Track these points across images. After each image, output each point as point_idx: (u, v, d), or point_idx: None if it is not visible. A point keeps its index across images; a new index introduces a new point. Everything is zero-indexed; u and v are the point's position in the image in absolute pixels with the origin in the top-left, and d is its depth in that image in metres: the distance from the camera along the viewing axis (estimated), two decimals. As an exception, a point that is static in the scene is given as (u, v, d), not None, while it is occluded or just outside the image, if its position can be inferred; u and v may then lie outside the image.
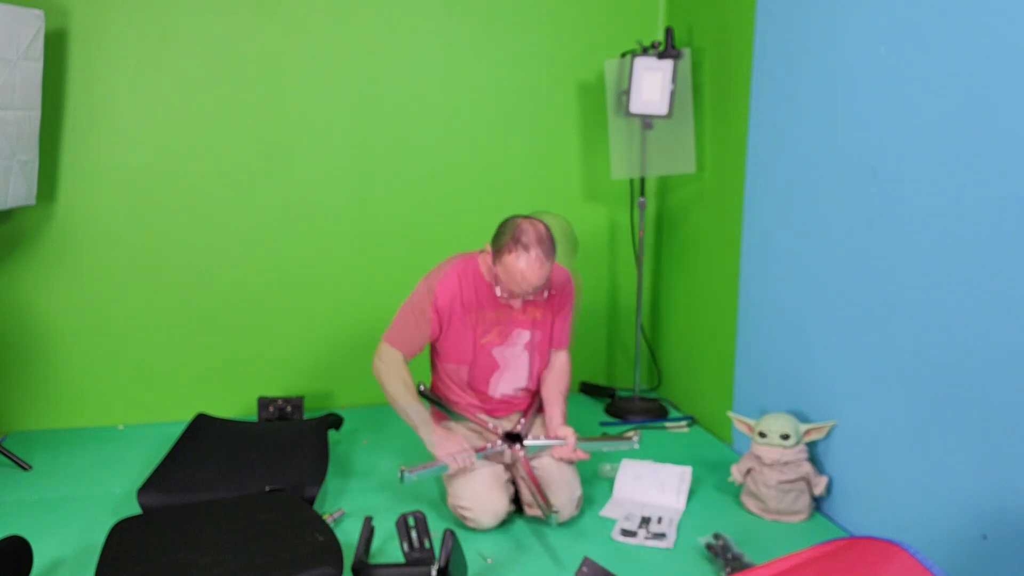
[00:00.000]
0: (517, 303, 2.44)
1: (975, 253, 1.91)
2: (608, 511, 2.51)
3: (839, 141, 2.37)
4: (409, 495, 2.61)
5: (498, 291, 2.41)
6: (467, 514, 2.36)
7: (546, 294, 2.48)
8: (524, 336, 2.53)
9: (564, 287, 2.58)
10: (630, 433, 2.57)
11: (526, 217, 2.37)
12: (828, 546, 1.58)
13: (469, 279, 2.48)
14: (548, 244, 2.32)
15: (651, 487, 2.58)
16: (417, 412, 2.45)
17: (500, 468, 2.46)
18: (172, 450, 2.69)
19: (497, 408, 2.62)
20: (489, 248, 2.40)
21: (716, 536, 2.18)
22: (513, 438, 2.48)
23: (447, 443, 2.40)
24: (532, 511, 2.43)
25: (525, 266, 2.28)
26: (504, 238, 2.32)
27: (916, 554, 1.44)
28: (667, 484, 2.58)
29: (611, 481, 2.68)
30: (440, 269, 2.52)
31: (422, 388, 2.53)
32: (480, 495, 2.36)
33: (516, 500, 2.46)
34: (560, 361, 2.63)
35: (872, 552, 1.48)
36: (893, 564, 1.42)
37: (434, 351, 2.60)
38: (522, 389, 2.61)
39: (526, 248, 2.28)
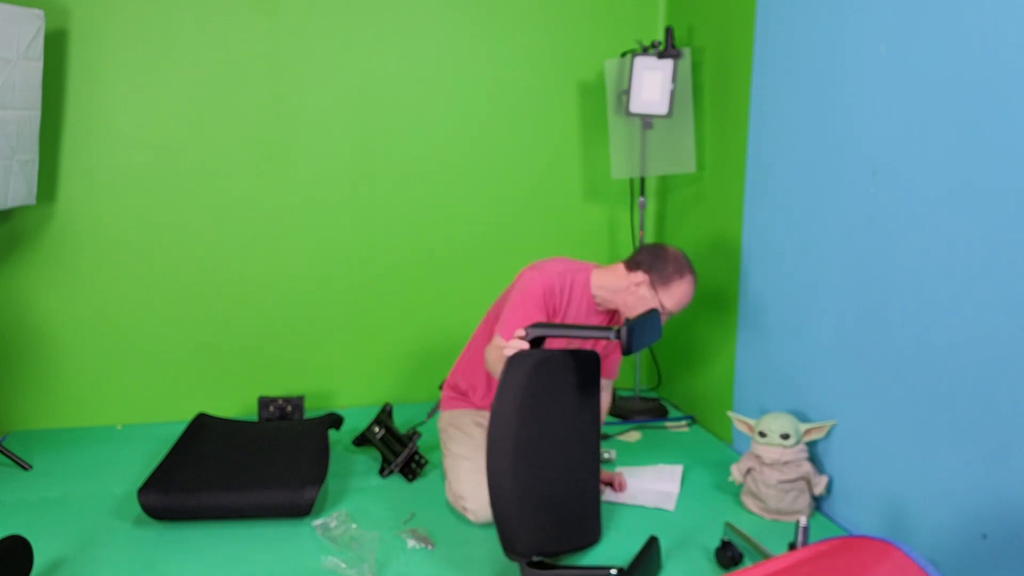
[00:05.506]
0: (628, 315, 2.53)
1: (975, 252, 1.91)
2: (609, 497, 2.57)
3: (839, 141, 2.37)
4: (409, 494, 2.61)
5: (637, 310, 2.49)
6: (468, 505, 2.37)
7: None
8: None
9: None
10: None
11: (666, 245, 2.55)
12: (823, 545, 1.58)
13: (579, 289, 2.55)
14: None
15: (648, 477, 2.70)
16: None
17: None
18: (172, 450, 2.69)
19: None
20: (637, 273, 2.49)
21: (725, 544, 2.17)
22: None
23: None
24: None
25: (689, 291, 2.51)
26: (668, 265, 2.48)
27: (910, 553, 1.44)
28: (662, 475, 2.71)
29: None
30: (549, 264, 2.56)
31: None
32: (480, 488, 2.36)
33: None
34: (607, 396, 2.76)
35: (866, 551, 1.48)
36: (887, 563, 1.42)
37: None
38: None
39: (693, 273, 2.52)
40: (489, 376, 2.72)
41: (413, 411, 3.33)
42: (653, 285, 2.48)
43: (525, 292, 2.47)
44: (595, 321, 2.61)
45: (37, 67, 2.78)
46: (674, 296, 2.49)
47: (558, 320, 2.54)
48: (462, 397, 2.81)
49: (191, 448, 2.72)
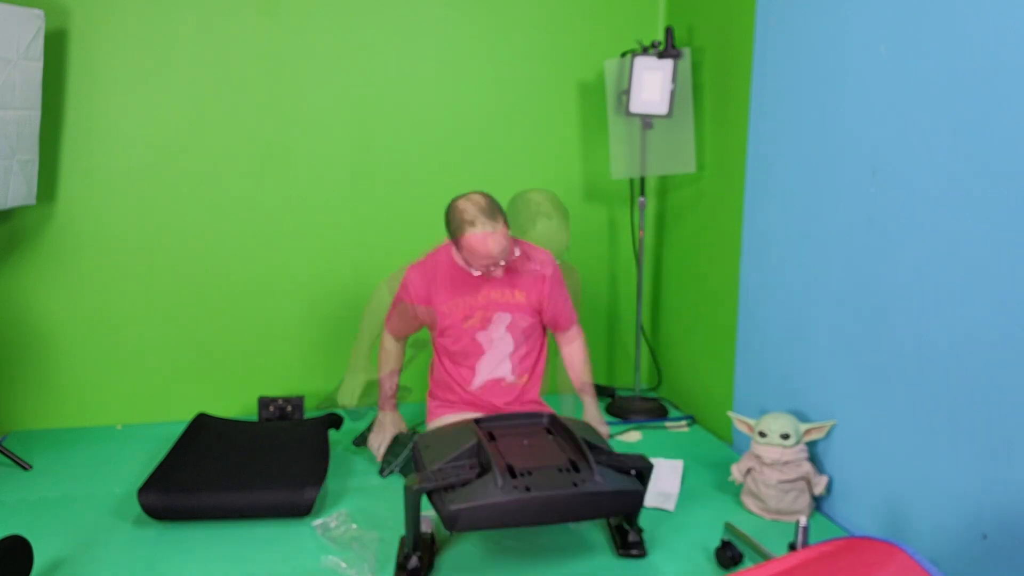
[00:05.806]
0: (498, 272, 2.56)
1: (975, 252, 1.91)
2: None
3: (839, 140, 2.37)
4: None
5: (474, 272, 2.56)
6: None
7: (521, 263, 2.63)
8: (505, 319, 2.64)
9: (545, 265, 2.68)
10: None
11: (461, 196, 2.51)
12: (826, 546, 1.58)
13: (445, 266, 2.62)
14: (488, 210, 2.45)
15: None
16: (384, 389, 2.82)
17: None
18: (172, 450, 2.69)
19: (479, 403, 2.73)
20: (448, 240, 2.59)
21: (725, 544, 2.16)
22: None
23: (376, 435, 2.80)
24: None
25: (480, 240, 2.43)
26: (451, 226, 2.49)
27: (914, 555, 1.44)
28: (661, 474, 2.69)
29: None
30: (417, 259, 2.70)
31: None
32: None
33: None
34: (576, 349, 2.87)
35: (870, 552, 1.48)
36: (891, 565, 1.42)
37: (433, 334, 2.77)
38: (506, 381, 2.73)
39: (472, 224, 2.43)
40: (435, 373, 2.81)
41: (413, 411, 3.33)
42: (456, 246, 2.53)
43: (395, 294, 2.73)
44: (472, 284, 2.63)
45: (37, 67, 2.78)
46: (469, 251, 2.47)
47: (435, 288, 2.62)
48: (446, 404, 2.81)
49: (191, 448, 2.72)
